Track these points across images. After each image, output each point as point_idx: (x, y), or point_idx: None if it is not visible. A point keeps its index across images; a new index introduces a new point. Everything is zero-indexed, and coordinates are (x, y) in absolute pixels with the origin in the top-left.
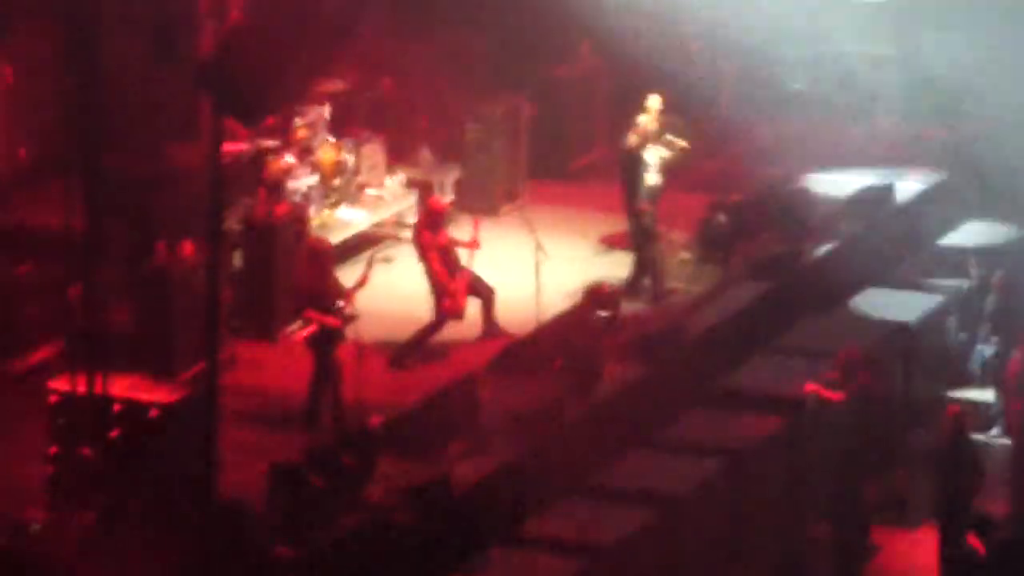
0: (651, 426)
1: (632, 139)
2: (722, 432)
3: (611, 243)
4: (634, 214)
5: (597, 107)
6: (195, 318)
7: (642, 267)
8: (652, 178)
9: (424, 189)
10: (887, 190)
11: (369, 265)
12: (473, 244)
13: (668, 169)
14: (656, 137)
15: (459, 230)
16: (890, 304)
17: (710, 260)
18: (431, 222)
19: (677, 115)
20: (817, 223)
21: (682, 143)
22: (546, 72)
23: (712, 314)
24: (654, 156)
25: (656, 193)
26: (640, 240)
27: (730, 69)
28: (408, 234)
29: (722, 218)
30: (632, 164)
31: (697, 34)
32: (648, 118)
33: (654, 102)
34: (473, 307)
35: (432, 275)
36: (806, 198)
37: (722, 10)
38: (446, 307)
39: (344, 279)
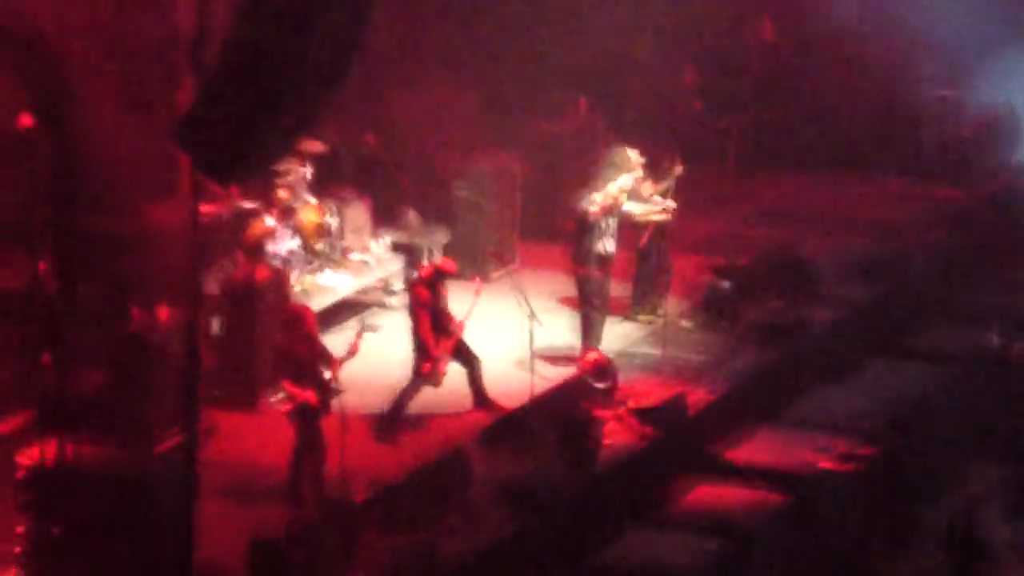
0: (651, 502)
1: (590, 206)
2: (726, 508)
3: (608, 309)
4: (578, 278)
5: (593, 164)
6: (172, 386)
7: (586, 330)
8: (605, 245)
9: (409, 255)
10: (900, 253)
11: (359, 335)
12: (478, 289)
13: (660, 230)
14: (638, 195)
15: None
16: (903, 374)
17: (713, 328)
18: (433, 281)
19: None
20: (827, 288)
21: (668, 204)
22: (539, 128)
23: (716, 384)
24: (637, 213)
25: (607, 260)
26: (584, 305)
27: (735, 122)
28: (395, 300)
29: (726, 283)
30: (583, 230)
31: (697, 89)
32: (625, 180)
33: (633, 157)
34: (458, 376)
35: (418, 335)
36: (815, 261)
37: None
38: (424, 371)
39: (330, 348)
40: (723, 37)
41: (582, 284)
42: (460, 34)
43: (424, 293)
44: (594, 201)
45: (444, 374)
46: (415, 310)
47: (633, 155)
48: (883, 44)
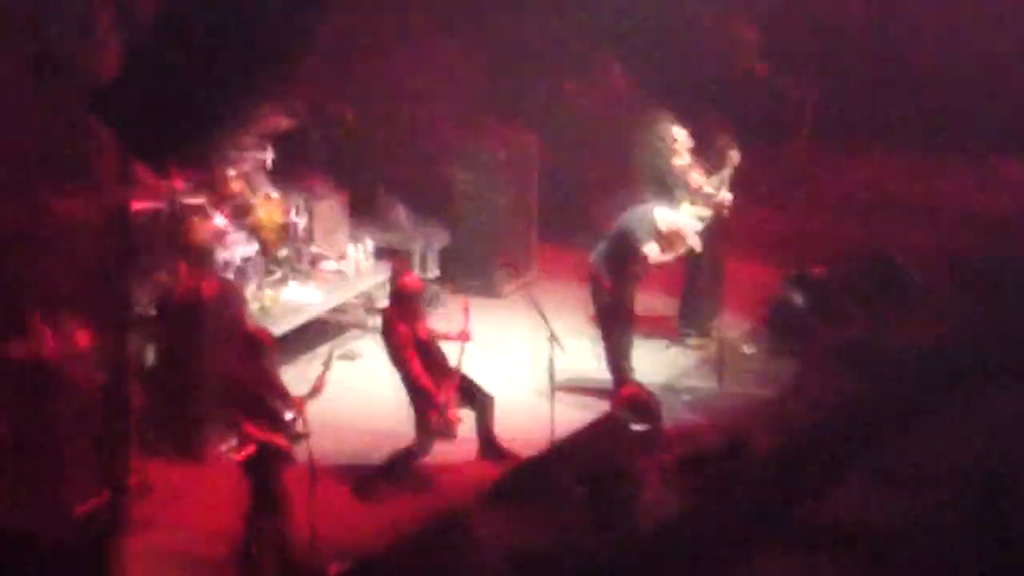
0: (707, 574)
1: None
2: None
3: (650, 330)
4: (604, 290)
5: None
6: (92, 430)
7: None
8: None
9: (398, 262)
10: (1014, 259)
11: (327, 366)
12: (463, 336)
13: (713, 230)
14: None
15: (446, 318)
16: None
17: (783, 353)
18: (406, 309)
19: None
20: (927, 303)
21: (724, 196)
22: (561, 99)
23: (787, 424)
24: (683, 218)
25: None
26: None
27: (810, 91)
28: (378, 322)
29: (799, 297)
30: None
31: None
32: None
33: (680, 137)
34: (467, 419)
35: (411, 381)
36: (911, 268)
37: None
38: (433, 423)
39: (293, 382)
40: None
41: (601, 296)
42: None
43: (401, 328)
44: (657, 233)
45: (459, 421)
46: (397, 353)
47: (680, 134)
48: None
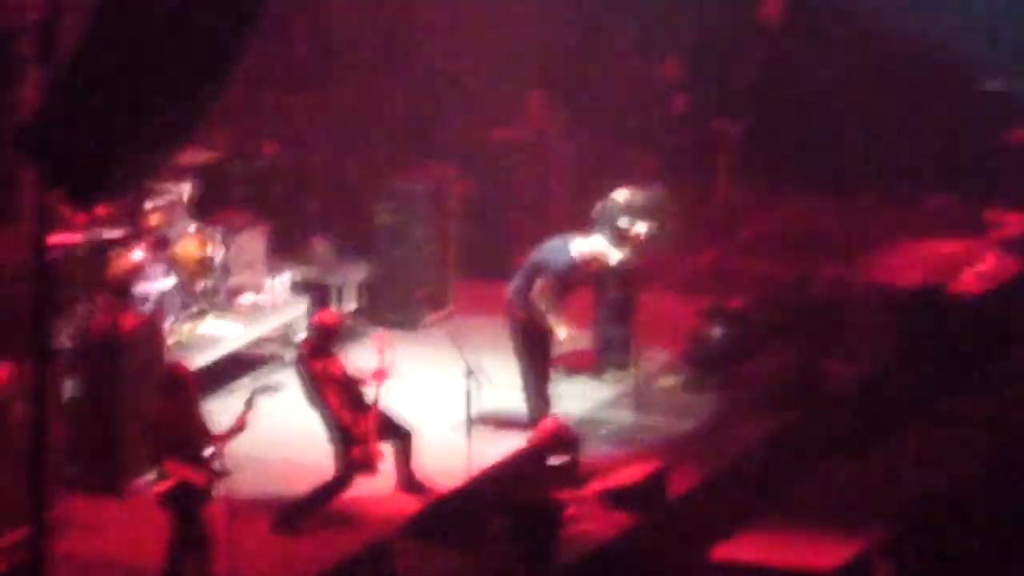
0: None
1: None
2: None
3: (570, 365)
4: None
5: (553, 181)
6: (11, 465)
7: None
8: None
9: (316, 296)
10: (945, 293)
11: (249, 405)
12: (380, 375)
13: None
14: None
15: (363, 352)
16: (943, 445)
17: (702, 386)
18: (321, 344)
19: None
20: (849, 337)
21: (638, 228)
22: (482, 135)
23: (706, 460)
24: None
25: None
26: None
27: (733, 130)
28: (295, 354)
29: (718, 330)
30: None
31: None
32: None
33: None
34: (387, 453)
35: (329, 416)
36: (834, 302)
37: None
38: (354, 458)
39: (214, 417)
40: (716, 18)
41: (517, 329)
42: (381, 19)
43: (315, 364)
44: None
45: (380, 456)
46: (315, 390)
47: (635, 197)
48: (916, 28)
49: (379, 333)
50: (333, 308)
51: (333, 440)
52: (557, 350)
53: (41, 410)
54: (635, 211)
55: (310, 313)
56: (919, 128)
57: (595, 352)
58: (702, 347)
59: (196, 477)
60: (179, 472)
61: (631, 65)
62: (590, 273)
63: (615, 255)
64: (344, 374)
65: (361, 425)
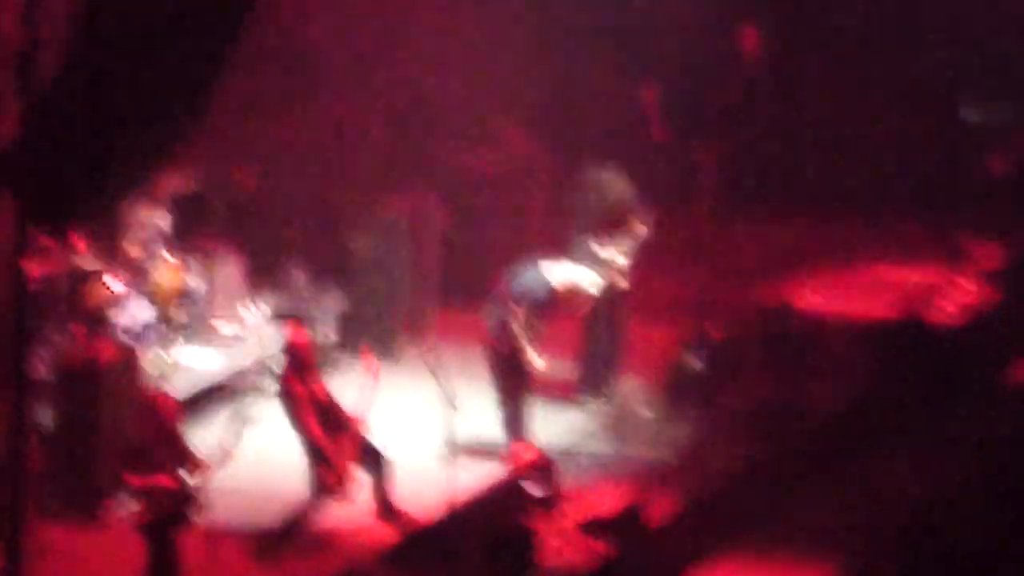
0: None
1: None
2: None
3: (553, 394)
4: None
5: (532, 209)
6: None
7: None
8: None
9: (288, 323)
10: (921, 323)
11: (237, 435)
12: (373, 370)
13: (610, 296)
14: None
15: (343, 381)
16: (926, 469)
17: (682, 416)
18: (297, 364)
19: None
20: (829, 366)
21: (621, 262)
22: (461, 164)
23: (684, 490)
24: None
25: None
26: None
27: (707, 156)
28: (273, 383)
29: (697, 360)
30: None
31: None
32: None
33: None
34: (365, 482)
35: (307, 439)
36: (814, 331)
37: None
38: (327, 483)
39: (193, 446)
40: (695, 46)
41: (493, 358)
42: (358, 43)
43: (294, 386)
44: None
45: (353, 481)
46: (293, 410)
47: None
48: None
49: (366, 348)
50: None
51: (309, 462)
52: (535, 379)
53: (18, 440)
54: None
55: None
56: (897, 154)
57: (578, 382)
58: (682, 377)
59: (174, 506)
60: (156, 501)
61: (609, 92)
62: (571, 306)
63: (594, 282)
64: (326, 397)
65: (338, 449)
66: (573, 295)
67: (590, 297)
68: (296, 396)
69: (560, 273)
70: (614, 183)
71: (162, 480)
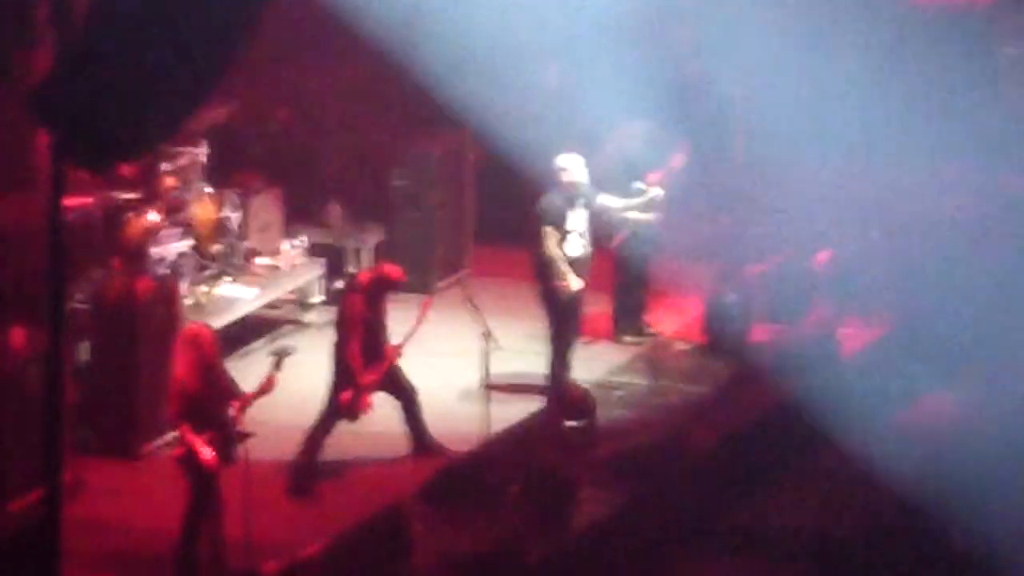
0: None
1: (553, 198)
2: None
3: (587, 330)
4: (547, 293)
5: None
6: (28, 429)
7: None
8: (573, 246)
9: (331, 260)
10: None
11: (277, 366)
12: (422, 314)
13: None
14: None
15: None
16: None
17: (718, 351)
18: (372, 291)
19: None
20: (869, 301)
21: (654, 191)
22: (495, 98)
23: (724, 422)
24: (614, 209)
25: (578, 265)
26: (555, 325)
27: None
28: (313, 317)
29: (733, 296)
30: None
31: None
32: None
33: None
34: (392, 412)
35: (343, 354)
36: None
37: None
38: (343, 401)
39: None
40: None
41: (545, 296)
42: None
43: (359, 304)
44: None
45: (368, 407)
46: (346, 324)
47: (567, 160)
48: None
49: (428, 300)
50: (363, 266)
51: (334, 378)
52: (582, 316)
53: (55, 374)
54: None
55: (326, 277)
56: None
57: (613, 317)
58: (716, 312)
59: (214, 440)
60: (193, 441)
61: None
62: (605, 230)
63: (628, 207)
64: (377, 324)
65: (367, 373)
66: (607, 218)
67: (624, 221)
68: (355, 310)
69: (602, 199)
70: (647, 134)
71: (206, 422)
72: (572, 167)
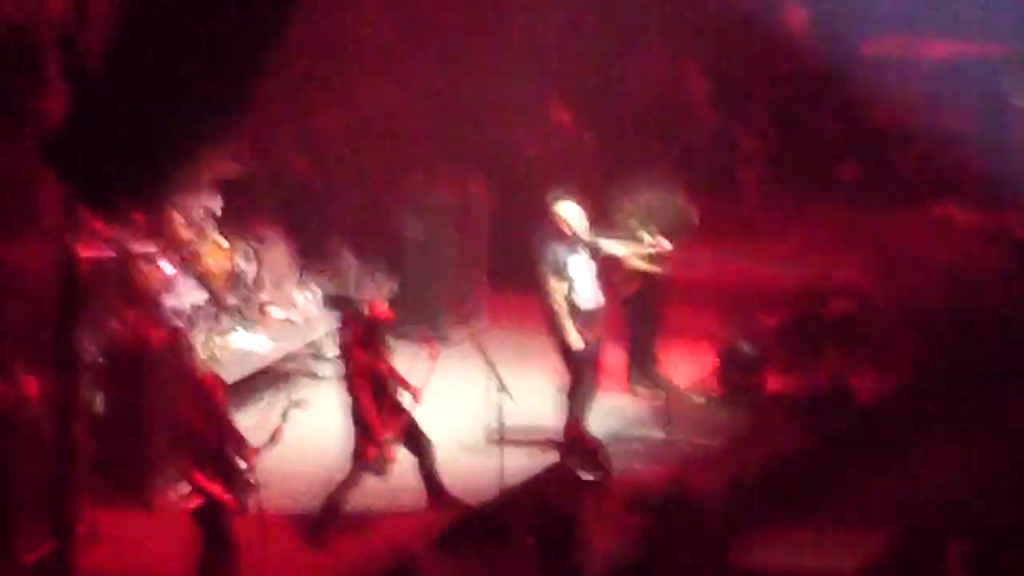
0: None
1: (554, 246)
2: None
3: (605, 385)
4: (561, 343)
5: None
6: (41, 478)
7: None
8: (584, 297)
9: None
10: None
11: (284, 418)
12: (413, 391)
13: (650, 279)
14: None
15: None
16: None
17: (732, 403)
18: (370, 336)
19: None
20: (881, 352)
21: (659, 242)
22: (508, 142)
23: (734, 469)
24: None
25: (591, 318)
26: (570, 376)
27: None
28: (327, 370)
29: (747, 346)
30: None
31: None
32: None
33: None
34: (407, 464)
35: (357, 410)
36: (866, 317)
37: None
38: (368, 457)
39: (242, 430)
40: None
41: (560, 346)
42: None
43: (358, 355)
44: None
45: (393, 461)
46: (353, 379)
47: (564, 209)
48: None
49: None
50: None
51: (354, 434)
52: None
53: (69, 423)
54: (653, 214)
55: (340, 328)
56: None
57: (628, 369)
58: (732, 364)
59: (222, 495)
60: (207, 487)
61: (661, 81)
62: (615, 280)
63: (640, 256)
64: (386, 372)
65: (386, 426)
66: (617, 269)
67: (635, 273)
68: (358, 363)
69: (606, 246)
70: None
71: (218, 472)
72: (569, 215)
